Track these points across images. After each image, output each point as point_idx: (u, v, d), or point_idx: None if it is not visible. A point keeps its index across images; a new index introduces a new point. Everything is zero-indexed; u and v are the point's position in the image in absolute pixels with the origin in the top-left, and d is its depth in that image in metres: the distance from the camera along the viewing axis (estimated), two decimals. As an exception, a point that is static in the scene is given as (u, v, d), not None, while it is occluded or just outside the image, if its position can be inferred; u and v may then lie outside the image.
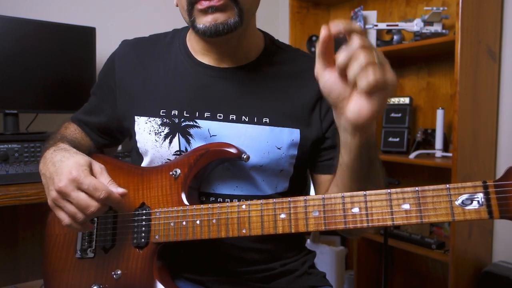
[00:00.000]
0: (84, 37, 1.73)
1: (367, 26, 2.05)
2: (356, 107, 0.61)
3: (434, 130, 1.91)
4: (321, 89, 0.65)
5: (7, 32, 1.56)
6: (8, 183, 1.27)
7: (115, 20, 2.05)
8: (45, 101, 1.67)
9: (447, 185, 0.57)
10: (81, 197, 0.69)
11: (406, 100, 2.00)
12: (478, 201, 0.56)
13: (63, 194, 0.71)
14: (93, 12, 1.99)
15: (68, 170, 0.71)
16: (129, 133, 0.93)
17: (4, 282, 1.75)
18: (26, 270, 1.80)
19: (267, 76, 0.88)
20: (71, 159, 0.74)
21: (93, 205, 0.69)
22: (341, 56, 0.58)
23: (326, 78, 0.63)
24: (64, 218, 0.72)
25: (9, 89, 1.58)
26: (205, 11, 0.76)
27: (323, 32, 0.59)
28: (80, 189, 0.70)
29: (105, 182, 0.73)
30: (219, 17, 0.77)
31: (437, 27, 1.85)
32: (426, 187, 0.58)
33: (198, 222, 0.74)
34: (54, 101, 1.69)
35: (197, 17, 0.78)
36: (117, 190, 0.72)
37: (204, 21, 0.77)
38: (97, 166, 0.76)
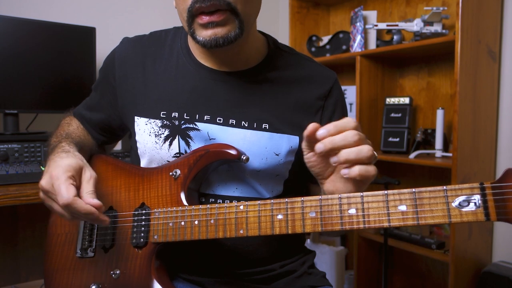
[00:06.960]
0: (84, 37, 1.73)
1: (367, 26, 2.05)
2: (331, 187, 0.71)
3: (434, 130, 1.91)
4: (305, 162, 0.72)
5: (7, 32, 1.56)
6: (8, 183, 1.27)
7: (115, 20, 2.05)
8: (45, 101, 1.67)
9: (444, 187, 0.57)
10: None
11: (406, 100, 1.99)
12: (475, 203, 0.55)
13: (44, 192, 0.74)
14: (93, 12, 1.99)
15: (52, 169, 0.73)
16: (129, 131, 0.93)
17: (4, 282, 1.76)
18: (26, 270, 1.80)
19: (269, 81, 0.87)
20: (64, 160, 0.75)
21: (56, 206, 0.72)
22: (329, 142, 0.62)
23: (310, 156, 0.70)
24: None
25: (9, 89, 1.58)
26: (205, 26, 0.75)
27: (310, 127, 0.64)
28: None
29: (84, 191, 0.71)
30: (220, 31, 0.75)
31: (437, 27, 1.85)
32: (423, 189, 0.58)
33: (196, 222, 0.74)
34: (54, 101, 1.69)
35: (197, 30, 0.77)
36: (92, 201, 0.69)
37: (204, 35, 0.76)
38: (88, 174, 0.74)
